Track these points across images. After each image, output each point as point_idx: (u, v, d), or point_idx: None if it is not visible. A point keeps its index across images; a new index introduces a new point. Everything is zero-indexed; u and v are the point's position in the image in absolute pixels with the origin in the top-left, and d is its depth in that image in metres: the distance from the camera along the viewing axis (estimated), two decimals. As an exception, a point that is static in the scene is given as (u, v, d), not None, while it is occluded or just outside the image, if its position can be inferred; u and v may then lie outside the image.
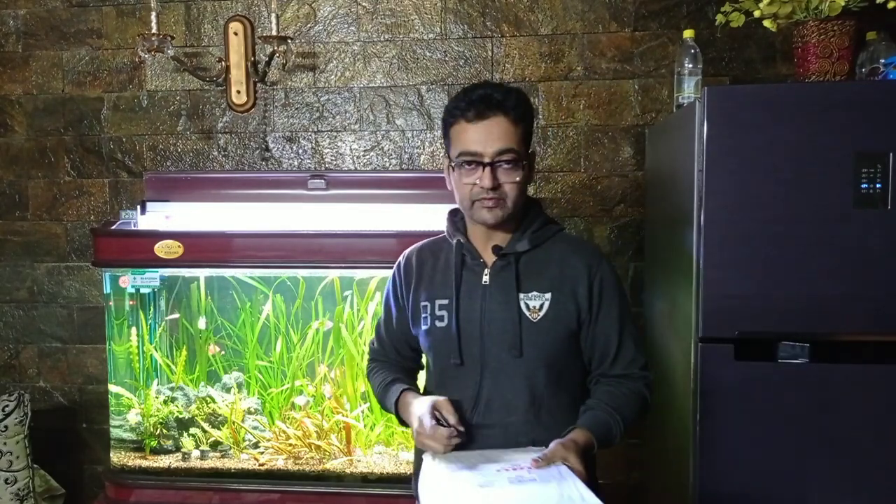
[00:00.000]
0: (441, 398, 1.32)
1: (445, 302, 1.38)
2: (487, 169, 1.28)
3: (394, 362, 1.53)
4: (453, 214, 1.46)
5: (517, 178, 1.30)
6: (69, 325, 2.73)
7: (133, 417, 2.29)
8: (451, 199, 1.40)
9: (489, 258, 1.38)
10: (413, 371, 1.56)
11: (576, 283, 1.34)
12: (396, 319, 1.50)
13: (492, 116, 1.28)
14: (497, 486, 1.15)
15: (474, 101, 1.29)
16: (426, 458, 1.31)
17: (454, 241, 1.41)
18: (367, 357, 1.60)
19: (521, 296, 1.34)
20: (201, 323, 2.35)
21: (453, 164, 1.33)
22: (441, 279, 1.41)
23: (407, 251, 1.51)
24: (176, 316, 2.38)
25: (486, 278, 1.36)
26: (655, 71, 2.42)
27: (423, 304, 1.41)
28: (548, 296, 1.33)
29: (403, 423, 1.43)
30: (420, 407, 1.31)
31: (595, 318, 1.36)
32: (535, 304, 1.33)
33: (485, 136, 1.28)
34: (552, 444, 1.24)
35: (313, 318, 2.29)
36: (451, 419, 1.28)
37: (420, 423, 1.28)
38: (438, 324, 1.38)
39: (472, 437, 1.33)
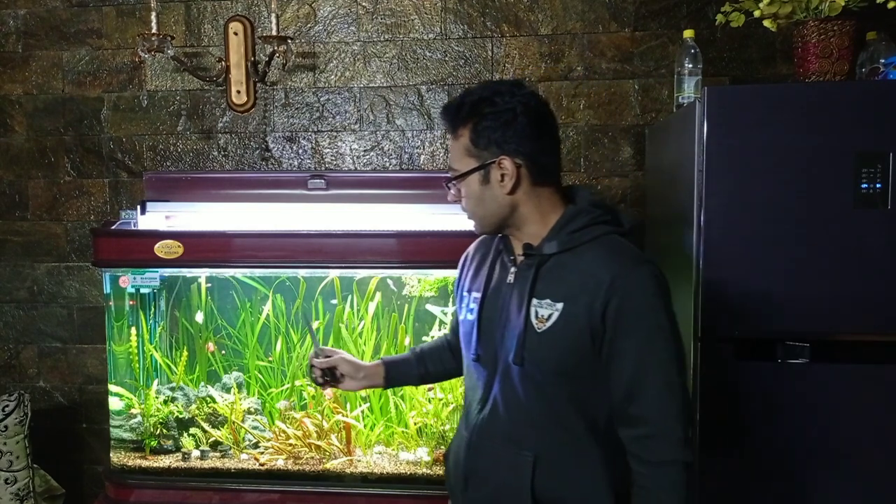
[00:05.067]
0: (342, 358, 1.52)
1: (477, 295, 1.35)
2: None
3: (452, 345, 1.56)
4: None
5: (457, 197, 1.29)
6: (69, 325, 2.73)
7: (118, 403, 2.30)
8: (451, 199, 1.40)
9: (520, 257, 1.32)
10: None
11: (594, 296, 1.17)
12: (455, 309, 1.49)
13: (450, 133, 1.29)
14: None
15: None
16: None
17: (499, 235, 1.38)
18: None
19: (534, 302, 1.23)
20: (198, 317, 2.35)
21: None
22: (482, 272, 1.38)
23: (474, 242, 1.49)
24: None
25: (510, 277, 1.30)
26: (655, 71, 2.42)
27: (464, 293, 1.41)
28: (559, 306, 1.20)
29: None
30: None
31: (611, 342, 1.18)
32: (544, 313, 1.21)
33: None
34: None
35: (313, 318, 2.29)
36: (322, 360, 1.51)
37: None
38: (469, 316, 1.36)
39: (473, 443, 1.32)
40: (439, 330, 2.20)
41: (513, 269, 1.30)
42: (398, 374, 1.56)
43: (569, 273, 1.22)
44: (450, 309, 2.08)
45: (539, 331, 1.21)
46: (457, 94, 1.37)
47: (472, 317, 1.34)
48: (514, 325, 1.25)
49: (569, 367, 1.21)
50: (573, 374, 1.22)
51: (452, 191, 1.30)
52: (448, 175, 1.30)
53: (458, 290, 1.45)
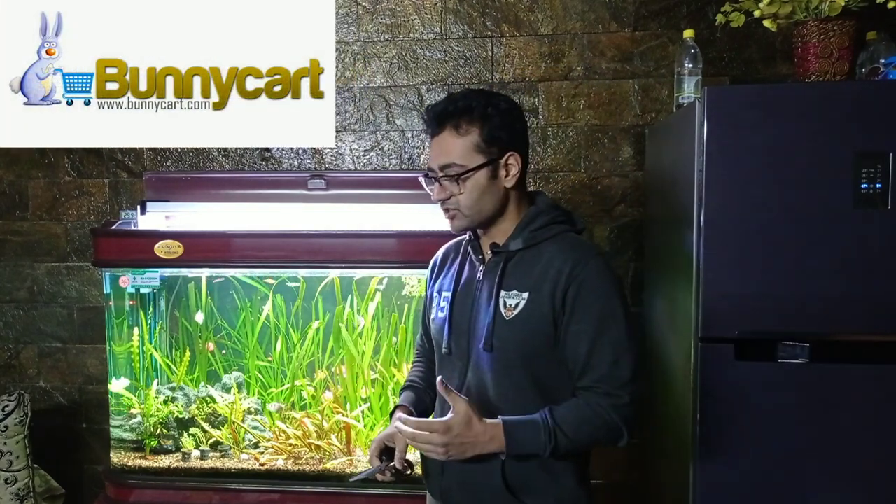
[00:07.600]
0: (402, 430, 1.37)
1: (448, 294, 1.45)
2: (436, 183, 1.36)
3: (427, 354, 1.61)
4: None
5: (460, 191, 1.34)
6: (69, 325, 2.74)
7: (117, 386, 2.30)
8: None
9: (488, 255, 1.42)
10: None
11: (555, 285, 1.31)
12: (426, 311, 1.59)
13: (441, 132, 1.34)
14: None
15: (428, 119, 1.36)
16: None
17: (466, 239, 1.49)
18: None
19: (503, 293, 1.36)
20: (198, 317, 2.35)
21: None
22: (451, 273, 1.49)
23: (443, 247, 1.58)
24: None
25: (479, 274, 1.41)
26: (655, 71, 2.42)
27: (434, 294, 1.51)
28: (525, 295, 1.33)
29: None
30: (385, 431, 1.43)
31: (568, 324, 1.31)
32: (512, 302, 1.34)
33: (435, 152, 1.35)
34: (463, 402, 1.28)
35: (313, 318, 2.29)
36: (396, 460, 1.37)
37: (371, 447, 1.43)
38: (440, 314, 1.46)
39: None
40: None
41: (481, 267, 1.42)
42: (424, 411, 1.55)
43: (532, 266, 1.35)
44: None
45: (507, 319, 1.34)
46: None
47: (443, 314, 1.45)
48: (483, 315, 1.37)
49: (532, 350, 1.33)
50: (535, 356, 1.34)
51: (447, 184, 1.34)
52: (443, 171, 1.33)
53: (428, 294, 1.56)
